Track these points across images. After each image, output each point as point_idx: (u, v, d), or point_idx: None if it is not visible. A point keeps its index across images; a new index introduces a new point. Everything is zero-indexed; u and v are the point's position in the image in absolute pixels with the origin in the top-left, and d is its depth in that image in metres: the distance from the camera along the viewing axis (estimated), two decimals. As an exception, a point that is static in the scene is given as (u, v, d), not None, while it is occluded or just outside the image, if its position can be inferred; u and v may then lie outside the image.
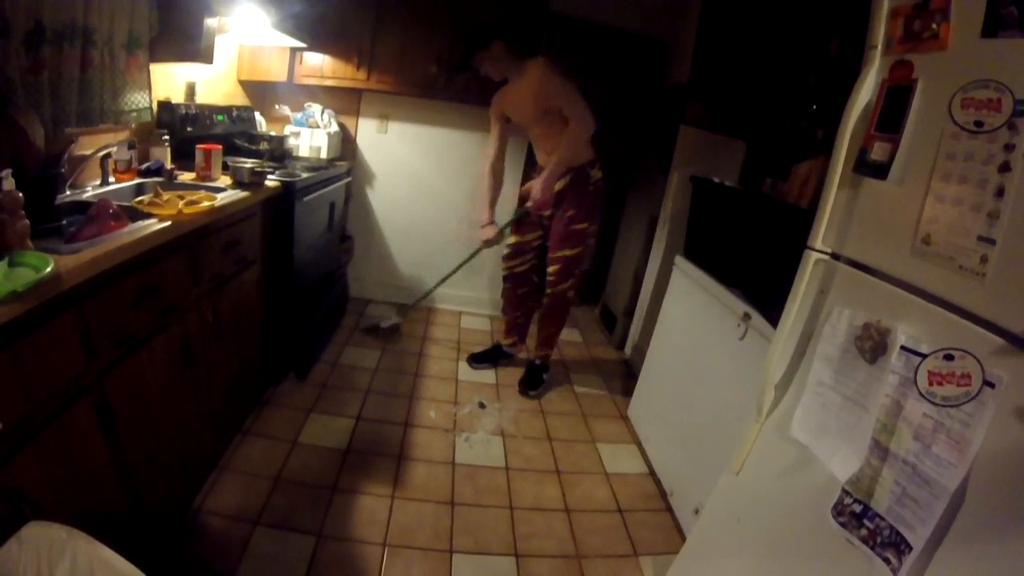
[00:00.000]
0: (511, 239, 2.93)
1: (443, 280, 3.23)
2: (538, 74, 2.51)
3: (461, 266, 3.14)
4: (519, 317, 3.10)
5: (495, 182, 2.86)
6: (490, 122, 2.83)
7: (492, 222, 2.86)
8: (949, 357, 0.96)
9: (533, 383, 2.95)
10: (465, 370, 3.08)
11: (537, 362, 3.04)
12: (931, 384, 0.98)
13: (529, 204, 2.72)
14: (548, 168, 2.61)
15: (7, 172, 1.13)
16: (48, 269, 1.03)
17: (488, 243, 2.86)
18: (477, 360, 3.14)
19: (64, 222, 1.50)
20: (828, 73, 2.06)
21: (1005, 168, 0.90)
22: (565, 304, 2.92)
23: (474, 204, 3.49)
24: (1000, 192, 0.90)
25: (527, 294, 3.04)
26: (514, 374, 3.07)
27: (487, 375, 3.06)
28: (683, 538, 1.91)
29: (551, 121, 2.60)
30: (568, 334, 3.82)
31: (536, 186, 2.67)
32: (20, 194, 1.14)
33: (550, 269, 2.83)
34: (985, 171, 0.93)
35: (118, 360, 1.30)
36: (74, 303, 1.13)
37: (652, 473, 2.35)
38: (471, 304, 3.92)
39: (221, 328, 1.90)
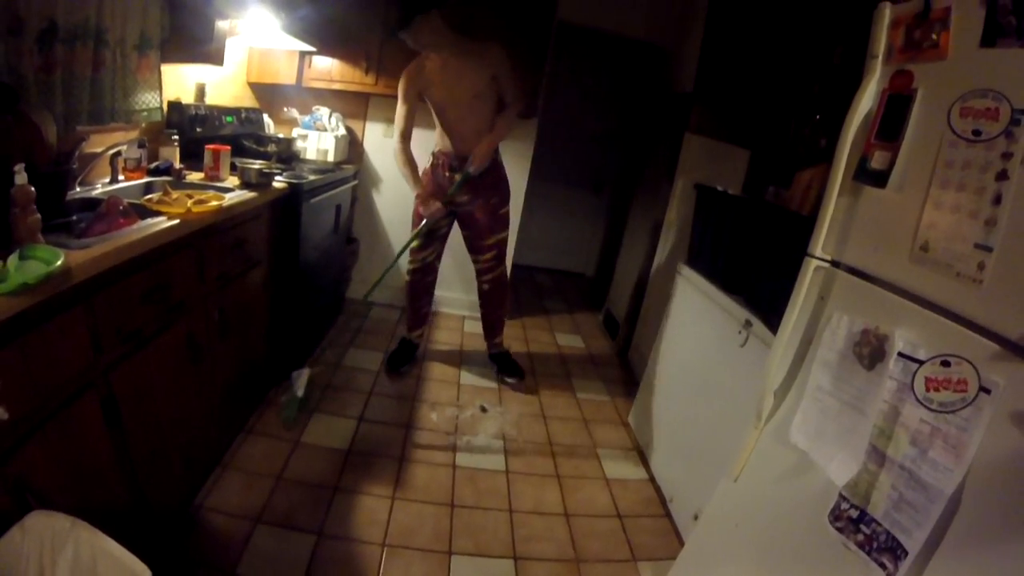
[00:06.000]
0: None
1: (388, 268, 2.97)
2: (502, 56, 2.62)
3: (405, 249, 2.91)
4: (424, 306, 3.11)
5: (412, 158, 2.71)
6: (400, 98, 2.65)
7: (431, 194, 2.74)
8: (946, 363, 0.96)
9: (516, 370, 3.07)
10: (467, 374, 3.09)
11: (505, 350, 3.17)
12: (928, 390, 0.99)
13: (471, 168, 2.66)
14: (491, 136, 2.68)
15: (20, 167, 1.15)
16: (58, 263, 1.05)
17: (434, 215, 2.69)
18: (400, 364, 3.03)
19: (74, 218, 1.52)
20: (832, 82, 2.07)
21: (1002, 176, 0.91)
22: (506, 286, 3.07)
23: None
24: (997, 199, 0.91)
25: (432, 282, 3.08)
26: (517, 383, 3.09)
27: (489, 380, 3.06)
28: (682, 544, 1.91)
29: (478, 105, 2.67)
30: (570, 339, 3.84)
31: (476, 153, 2.65)
32: (32, 189, 1.16)
33: (485, 256, 2.91)
34: (983, 179, 0.94)
35: (125, 355, 1.32)
36: (83, 297, 1.15)
37: (652, 479, 2.35)
38: (474, 308, 3.91)
39: (227, 327, 1.92)
